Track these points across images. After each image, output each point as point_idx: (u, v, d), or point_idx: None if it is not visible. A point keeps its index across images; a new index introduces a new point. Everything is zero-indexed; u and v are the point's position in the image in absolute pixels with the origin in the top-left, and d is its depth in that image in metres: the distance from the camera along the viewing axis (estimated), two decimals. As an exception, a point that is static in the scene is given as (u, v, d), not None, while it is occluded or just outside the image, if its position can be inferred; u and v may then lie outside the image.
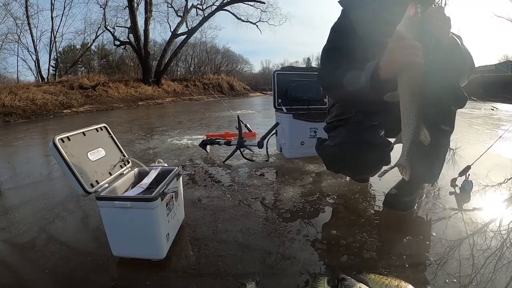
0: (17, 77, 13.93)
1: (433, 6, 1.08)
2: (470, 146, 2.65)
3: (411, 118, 0.90)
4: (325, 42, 1.24)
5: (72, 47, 17.09)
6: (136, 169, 1.20)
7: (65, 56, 17.12)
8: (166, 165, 1.22)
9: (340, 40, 1.19)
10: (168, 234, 1.01)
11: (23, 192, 1.81)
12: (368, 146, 1.18)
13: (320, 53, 1.29)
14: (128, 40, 14.88)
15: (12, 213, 1.42)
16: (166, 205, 1.00)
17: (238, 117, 2.47)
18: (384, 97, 0.91)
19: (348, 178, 1.74)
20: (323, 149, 1.34)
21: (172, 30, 15.34)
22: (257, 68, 37.47)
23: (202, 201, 1.49)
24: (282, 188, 1.65)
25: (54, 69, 14.86)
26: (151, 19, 14.54)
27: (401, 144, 0.95)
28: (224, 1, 15.27)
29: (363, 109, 1.22)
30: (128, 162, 1.18)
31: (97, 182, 0.96)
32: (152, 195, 0.90)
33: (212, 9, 15.36)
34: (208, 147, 2.52)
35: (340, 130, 1.28)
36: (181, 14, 15.42)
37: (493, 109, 5.88)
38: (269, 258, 0.98)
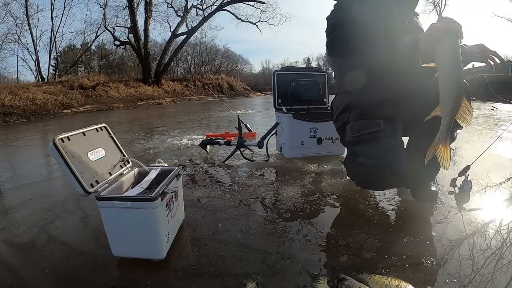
0: (17, 77, 13.98)
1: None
2: (470, 146, 2.64)
3: (450, 87, 0.89)
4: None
5: (72, 47, 17.12)
6: (136, 169, 1.20)
7: (65, 56, 17.14)
8: (166, 165, 1.22)
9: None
10: (168, 234, 1.01)
11: (23, 192, 1.81)
12: (403, 164, 1.17)
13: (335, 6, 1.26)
14: (128, 40, 14.88)
15: (12, 213, 1.42)
16: (166, 205, 1.00)
17: (238, 117, 2.47)
18: (422, 64, 0.96)
19: (348, 178, 1.74)
20: (357, 167, 1.28)
21: (172, 30, 15.36)
22: (257, 68, 37.52)
23: (202, 201, 1.49)
24: (282, 188, 1.65)
25: (54, 69, 14.89)
26: (151, 19, 14.56)
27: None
28: (224, 1, 15.28)
29: (383, 114, 1.19)
30: (128, 162, 1.18)
31: (97, 182, 0.96)
32: (152, 195, 0.90)
33: (212, 9, 15.39)
34: (208, 147, 2.53)
35: (371, 146, 1.21)
36: (181, 14, 15.43)
37: (493, 109, 5.88)
38: (269, 258, 0.98)
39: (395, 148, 1.19)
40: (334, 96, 1.52)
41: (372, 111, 1.22)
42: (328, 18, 1.27)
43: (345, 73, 1.34)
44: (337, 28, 1.16)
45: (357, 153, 1.28)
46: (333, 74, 1.59)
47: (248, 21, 16.90)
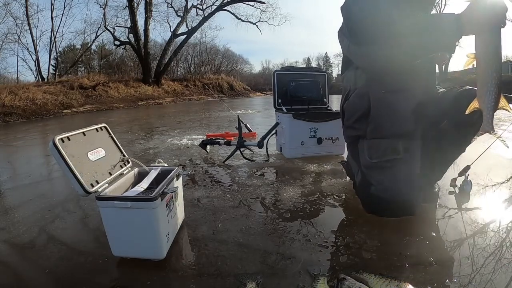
0: (17, 77, 14.00)
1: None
2: (470, 146, 2.64)
3: (492, 83, 0.88)
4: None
5: (72, 47, 17.14)
6: (136, 169, 1.20)
7: (65, 56, 17.16)
8: (166, 165, 1.22)
9: None
10: (168, 234, 1.01)
11: (23, 192, 1.80)
12: (420, 191, 1.17)
13: None
14: (128, 40, 14.88)
15: (12, 213, 1.42)
16: (166, 205, 1.00)
17: (238, 117, 2.47)
18: (466, 54, 0.92)
19: (348, 178, 1.74)
20: (370, 198, 1.23)
21: (172, 30, 15.35)
22: (257, 68, 37.66)
23: (202, 201, 1.49)
24: (282, 188, 1.65)
25: (54, 69, 14.89)
26: (151, 19, 14.56)
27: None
28: (224, 1, 15.27)
29: (404, 129, 1.15)
30: (128, 162, 1.18)
31: (97, 182, 0.96)
32: (152, 195, 0.90)
33: (212, 9, 15.39)
34: (208, 147, 2.53)
35: (387, 175, 1.17)
36: (181, 14, 15.42)
37: (493, 109, 5.88)
38: (269, 258, 0.98)
39: (412, 178, 1.14)
40: (342, 95, 1.39)
41: (393, 126, 1.16)
42: (343, 8, 1.18)
43: (365, 68, 1.23)
44: (359, 21, 1.11)
45: (370, 179, 1.22)
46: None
47: (248, 21, 16.91)
